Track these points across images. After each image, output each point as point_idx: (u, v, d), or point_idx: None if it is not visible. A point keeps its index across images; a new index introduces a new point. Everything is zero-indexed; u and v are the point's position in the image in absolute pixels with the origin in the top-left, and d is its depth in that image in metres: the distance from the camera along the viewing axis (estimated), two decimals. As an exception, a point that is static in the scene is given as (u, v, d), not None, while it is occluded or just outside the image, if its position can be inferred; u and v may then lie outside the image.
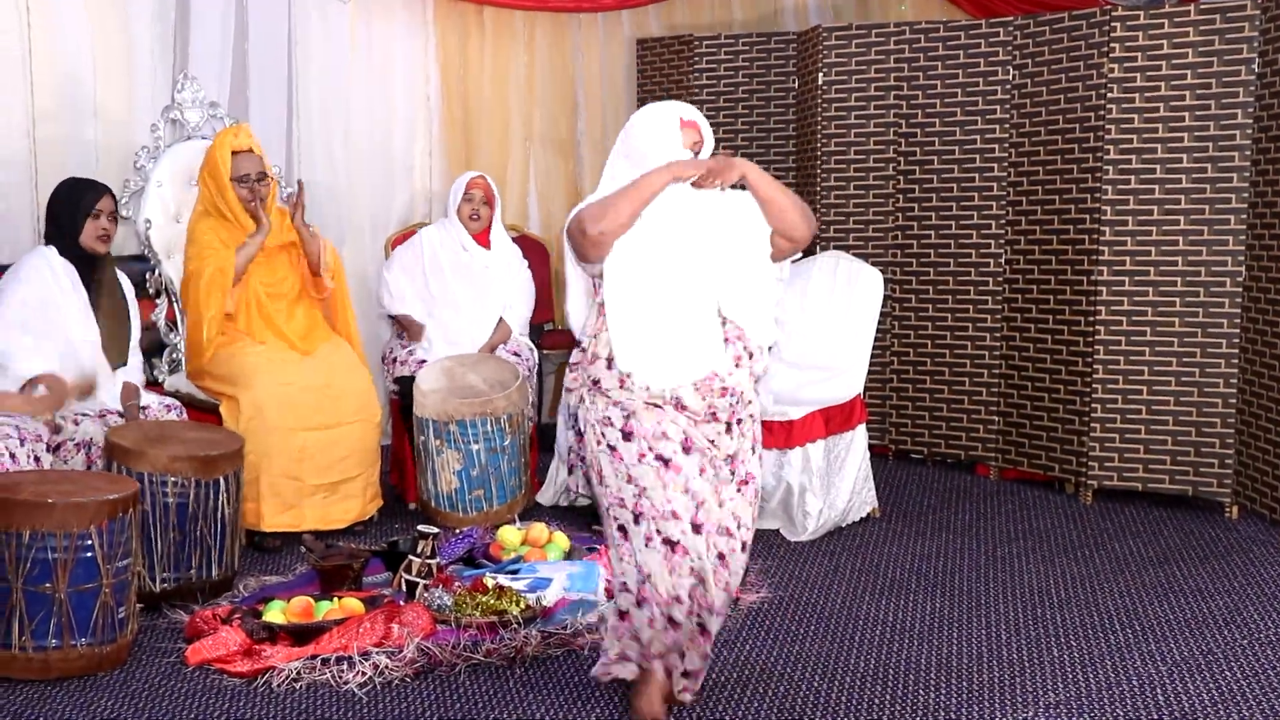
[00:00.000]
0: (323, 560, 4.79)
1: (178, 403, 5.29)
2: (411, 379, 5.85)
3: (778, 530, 5.66)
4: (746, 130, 7.46)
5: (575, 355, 3.82)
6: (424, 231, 6.42)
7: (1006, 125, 6.47)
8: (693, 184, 3.71)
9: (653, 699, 3.69)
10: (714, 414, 3.69)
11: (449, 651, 4.17)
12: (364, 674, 4.04)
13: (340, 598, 4.52)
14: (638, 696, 3.72)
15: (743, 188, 3.81)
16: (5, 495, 3.96)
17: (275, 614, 4.38)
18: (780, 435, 5.58)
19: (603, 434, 3.68)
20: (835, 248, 6.69)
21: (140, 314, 5.37)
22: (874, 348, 6.14)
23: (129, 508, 4.13)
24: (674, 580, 3.62)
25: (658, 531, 3.61)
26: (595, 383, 3.69)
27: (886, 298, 6.39)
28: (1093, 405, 6.10)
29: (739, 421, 3.75)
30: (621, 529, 3.70)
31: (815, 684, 4.04)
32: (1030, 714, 3.82)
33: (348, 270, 6.16)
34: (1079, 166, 6.11)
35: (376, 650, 4.14)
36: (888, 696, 3.95)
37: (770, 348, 3.84)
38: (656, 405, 3.65)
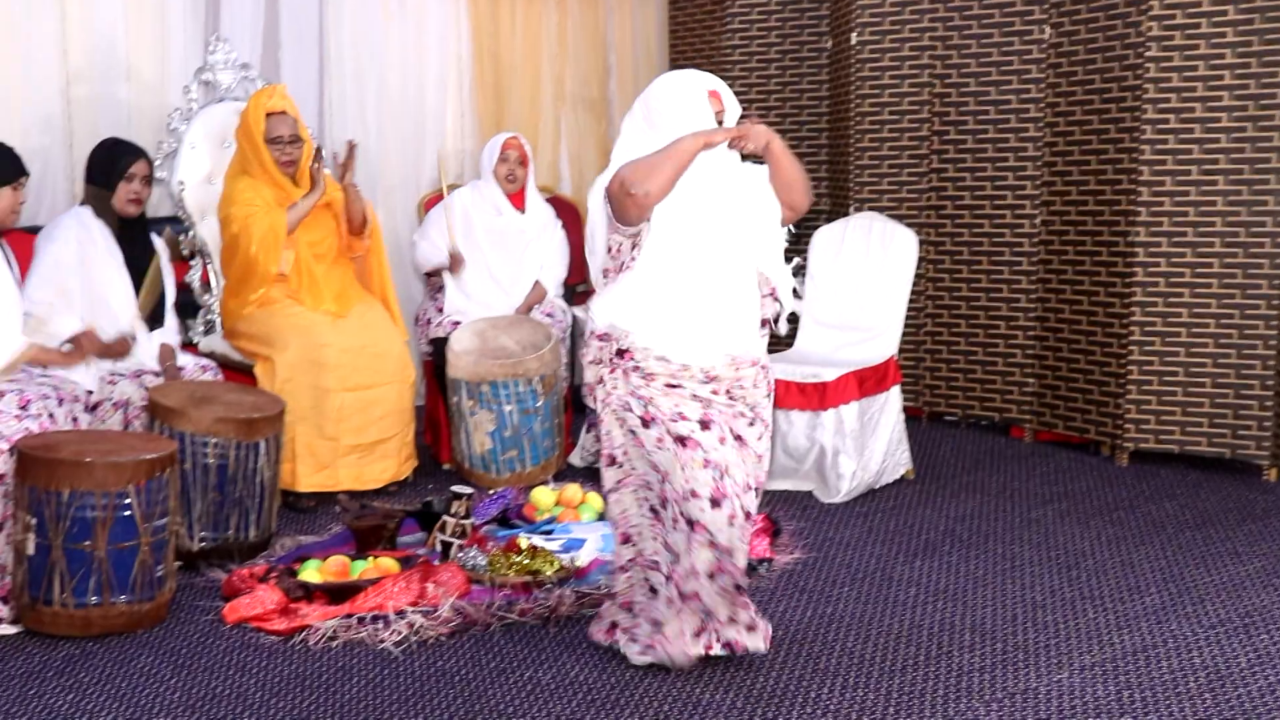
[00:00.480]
0: (358, 520, 4.81)
1: (213, 363, 5.31)
2: (445, 340, 5.85)
3: (811, 492, 5.66)
4: (779, 91, 7.42)
5: (591, 332, 3.87)
6: (456, 193, 6.41)
7: (1043, 85, 6.41)
8: (730, 146, 3.75)
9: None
10: (739, 382, 3.80)
11: (483, 611, 4.19)
12: (399, 633, 4.06)
13: (375, 557, 4.55)
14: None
15: (759, 160, 3.85)
16: (45, 454, 3.99)
17: (311, 573, 4.41)
18: (814, 397, 5.57)
19: (624, 418, 3.77)
20: (869, 209, 6.66)
21: (174, 275, 5.38)
22: (908, 309, 6.12)
23: (167, 467, 4.16)
24: (694, 555, 3.69)
25: (682, 514, 3.69)
26: (621, 354, 3.76)
27: (921, 259, 6.37)
28: (1129, 367, 6.07)
29: (756, 385, 3.86)
30: (653, 510, 3.80)
31: (849, 645, 4.04)
32: (1065, 675, 3.81)
33: (383, 231, 6.16)
34: (1116, 126, 6.05)
35: (411, 609, 4.17)
36: (921, 657, 3.95)
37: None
38: (675, 385, 3.74)
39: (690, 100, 3.76)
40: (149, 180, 5.10)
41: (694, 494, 3.66)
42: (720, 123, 3.79)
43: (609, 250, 3.77)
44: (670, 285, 3.74)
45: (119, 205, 5.02)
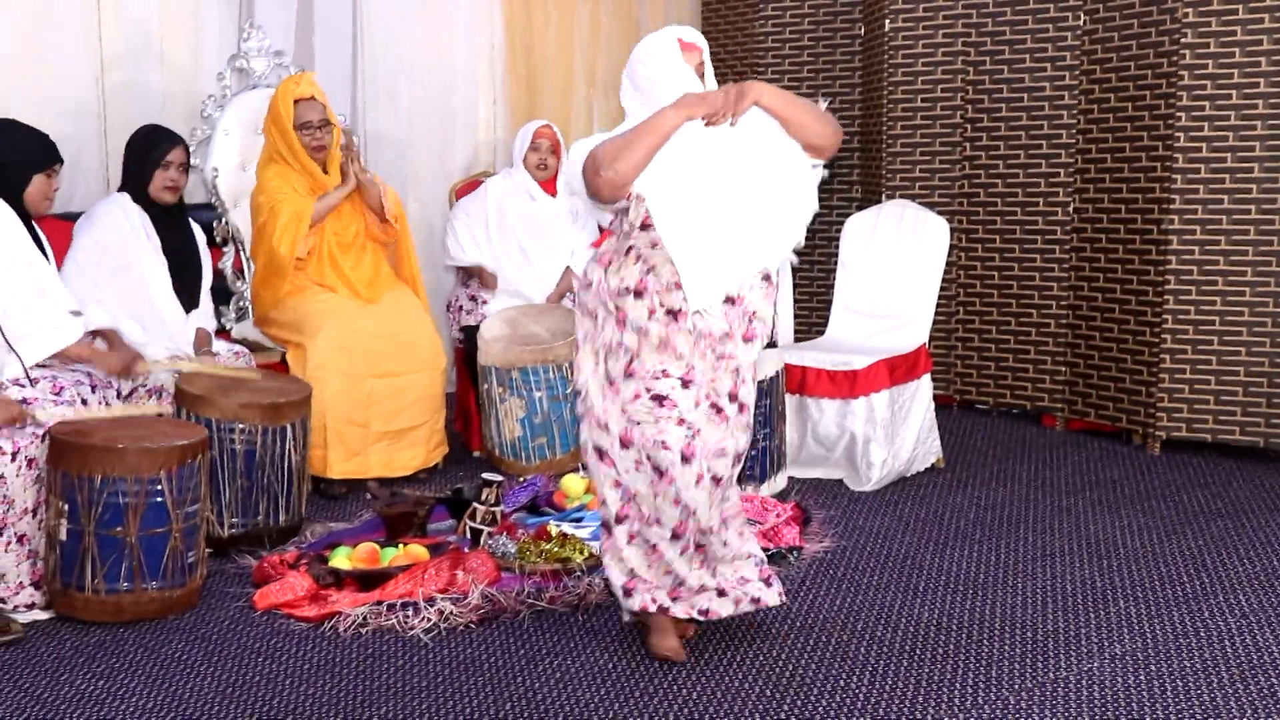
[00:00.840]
0: (388, 507, 4.82)
1: (245, 350, 5.33)
2: (476, 328, 5.86)
3: (841, 480, 5.64)
4: (812, 79, 7.40)
5: (583, 282, 3.82)
6: (489, 182, 6.42)
7: (1077, 72, 6.37)
8: (705, 123, 3.64)
9: (665, 634, 3.78)
10: (729, 333, 3.72)
11: (513, 598, 4.20)
12: (429, 620, 4.07)
13: (405, 544, 4.56)
14: (650, 634, 3.82)
15: None
16: (78, 440, 4.01)
17: (341, 560, 4.43)
18: (844, 385, 5.56)
19: (606, 360, 3.73)
20: (901, 196, 6.63)
21: (211, 260, 5.41)
22: (939, 297, 6.10)
23: (198, 454, 4.18)
24: (657, 504, 3.68)
25: (648, 458, 3.66)
26: (618, 307, 3.69)
27: (952, 247, 6.35)
28: (1162, 355, 6.03)
29: (749, 340, 3.78)
30: (599, 451, 3.76)
31: (879, 633, 4.04)
32: (1096, 665, 3.79)
33: (411, 219, 6.18)
34: (1151, 113, 6.01)
35: (441, 596, 4.18)
36: (951, 646, 3.93)
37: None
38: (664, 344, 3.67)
39: (664, 55, 3.68)
40: (185, 168, 5.13)
41: (664, 445, 3.63)
42: (701, 75, 3.72)
43: (612, 226, 3.78)
44: (680, 238, 3.63)
45: (155, 192, 5.05)
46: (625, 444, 3.70)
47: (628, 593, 3.79)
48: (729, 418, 3.74)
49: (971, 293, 6.82)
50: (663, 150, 3.62)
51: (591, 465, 3.82)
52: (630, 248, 3.69)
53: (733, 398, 3.76)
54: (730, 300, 3.70)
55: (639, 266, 3.68)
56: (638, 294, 3.67)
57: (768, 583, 3.89)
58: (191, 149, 5.91)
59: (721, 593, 3.82)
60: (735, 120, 3.64)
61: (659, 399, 3.65)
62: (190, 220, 5.28)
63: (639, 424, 3.66)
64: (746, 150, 3.68)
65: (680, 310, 3.66)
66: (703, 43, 3.78)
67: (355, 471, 5.42)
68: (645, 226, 3.65)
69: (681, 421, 3.64)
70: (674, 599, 3.78)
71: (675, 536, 3.71)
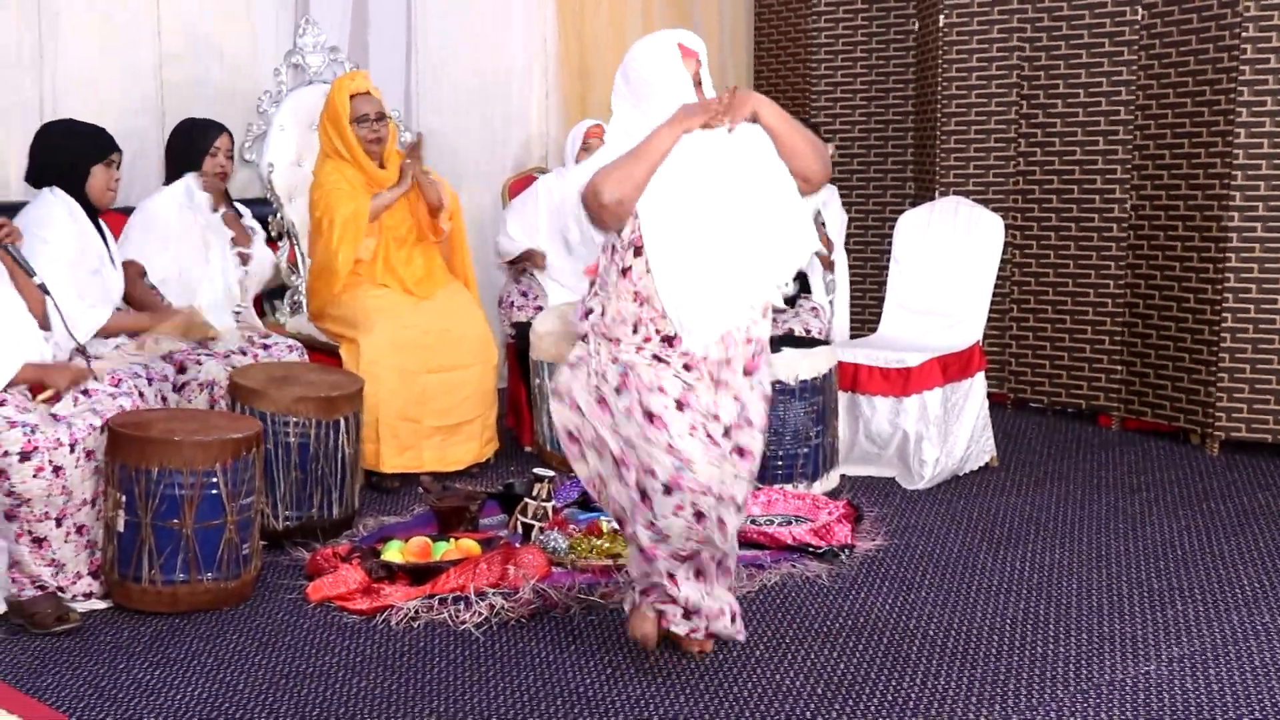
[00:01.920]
0: (440, 501, 4.84)
1: (299, 344, 5.36)
2: (528, 324, 5.87)
3: (894, 478, 5.62)
4: (865, 75, 7.37)
5: (585, 325, 3.68)
6: (541, 180, 6.43)
7: (1134, 67, 6.31)
8: (702, 126, 3.54)
9: (643, 620, 3.70)
10: (728, 361, 3.58)
11: (564, 594, 4.20)
12: (480, 614, 4.08)
13: (457, 539, 4.58)
14: (630, 618, 3.76)
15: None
16: (135, 433, 4.04)
17: (394, 553, 4.44)
18: (897, 383, 5.53)
19: (597, 385, 3.59)
20: (955, 193, 6.60)
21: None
22: (994, 294, 6.05)
23: (253, 447, 4.21)
24: (636, 525, 3.57)
25: (636, 482, 3.54)
26: (614, 341, 3.57)
27: (1007, 244, 6.31)
28: (1221, 354, 5.96)
29: (750, 373, 3.63)
30: (577, 447, 3.67)
31: (930, 633, 4.01)
32: (1153, 668, 3.75)
33: (464, 213, 6.20)
34: (1210, 109, 5.94)
35: (492, 591, 4.18)
36: (1004, 647, 3.91)
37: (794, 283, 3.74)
38: (662, 360, 3.54)
39: (663, 61, 3.57)
40: (232, 154, 5.19)
41: (650, 472, 3.48)
42: (698, 83, 3.62)
43: (605, 250, 3.64)
44: (675, 274, 3.51)
45: (206, 181, 5.10)
46: (618, 462, 3.58)
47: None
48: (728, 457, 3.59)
49: (1026, 290, 6.77)
50: (660, 168, 3.53)
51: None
52: (627, 269, 3.56)
53: (727, 433, 3.60)
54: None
55: (630, 295, 3.57)
56: (634, 327, 3.57)
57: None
58: (247, 144, 5.99)
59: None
60: (733, 125, 3.54)
61: (650, 416, 3.49)
62: (244, 209, 5.34)
63: (630, 441, 3.53)
64: (742, 174, 3.58)
65: (675, 336, 3.55)
66: (702, 48, 3.65)
67: (408, 466, 5.44)
68: (638, 251, 3.55)
69: (670, 449, 3.46)
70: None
71: (647, 559, 3.62)
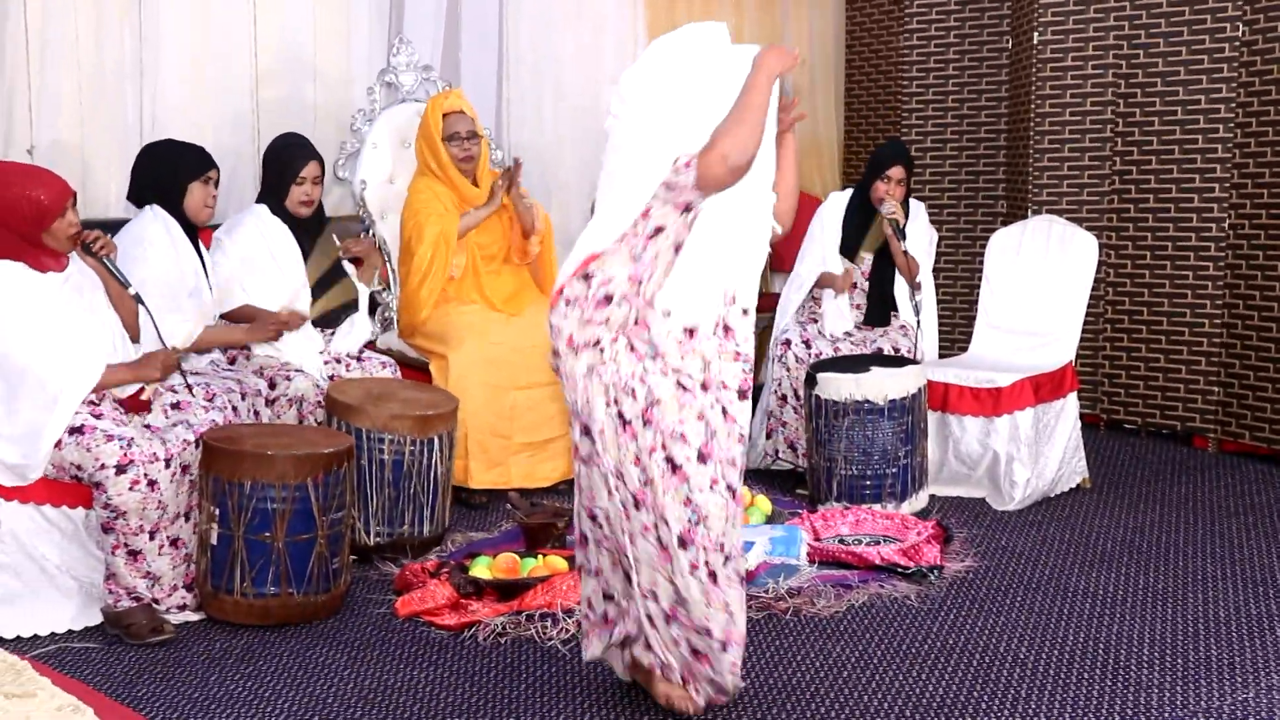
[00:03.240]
0: (528, 518, 4.86)
1: (391, 360, 5.41)
2: (617, 340, 5.88)
3: (984, 499, 5.56)
4: (957, 92, 7.32)
5: (589, 294, 3.39)
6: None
7: (1234, 84, 6.21)
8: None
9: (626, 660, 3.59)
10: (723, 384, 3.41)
11: (651, 611, 4.19)
12: (567, 631, 4.09)
13: (545, 555, 4.59)
14: (651, 686, 3.57)
15: None
16: (230, 446, 4.10)
17: (481, 569, 4.46)
18: (988, 402, 5.48)
19: (617, 399, 3.35)
20: (1048, 211, 6.53)
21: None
22: (1087, 314, 5.98)
23: (344, 462, 4.25)
24: (655, 579, 3.39)
25: (647, 530, 3.35)
26: (645, 336, 3.34)
27: (1101, 263, 6.23)
28: (1321, 377, 5.85)
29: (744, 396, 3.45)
30: (622, 506, 3.41)
31: (1021, 655, 3.96)
32: (1250, 694, 3.68)
33: (554, 230, 6.23)
34: (1311, 127, 5.84)
35: (579, 608, 4.18)
36: (1097, 671, 3.85)
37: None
38: (687, 388, 3.33)
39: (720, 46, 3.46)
40: (320, 180, 5.23)
41: (665, 521, 3.31)
42: None
43: (657, 230, 3.32)
44: (710, 258, 3.35)
45: (291, 208, 5.16)
46: (637, 502, 3.38)
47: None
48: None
49: (1120, 310, 6.68)
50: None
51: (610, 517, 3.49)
52: (678, 245, 3.33)
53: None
54: (725, 328, 3.41)
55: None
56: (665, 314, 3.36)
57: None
58: (340, 161, 6.06)
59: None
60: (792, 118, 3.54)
61: (672, 465, 3.31)
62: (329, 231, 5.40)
63: (650, 484, 3.34)
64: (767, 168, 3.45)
65: (694, 329, 3.37)
66: None
67: (496, 482, 5.47)
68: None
69: (688, 503, 3.32)
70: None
71: (667, 620, 3.44)
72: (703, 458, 3.34)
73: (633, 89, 3.48)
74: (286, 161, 5.16)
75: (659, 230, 3.31)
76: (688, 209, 3.29)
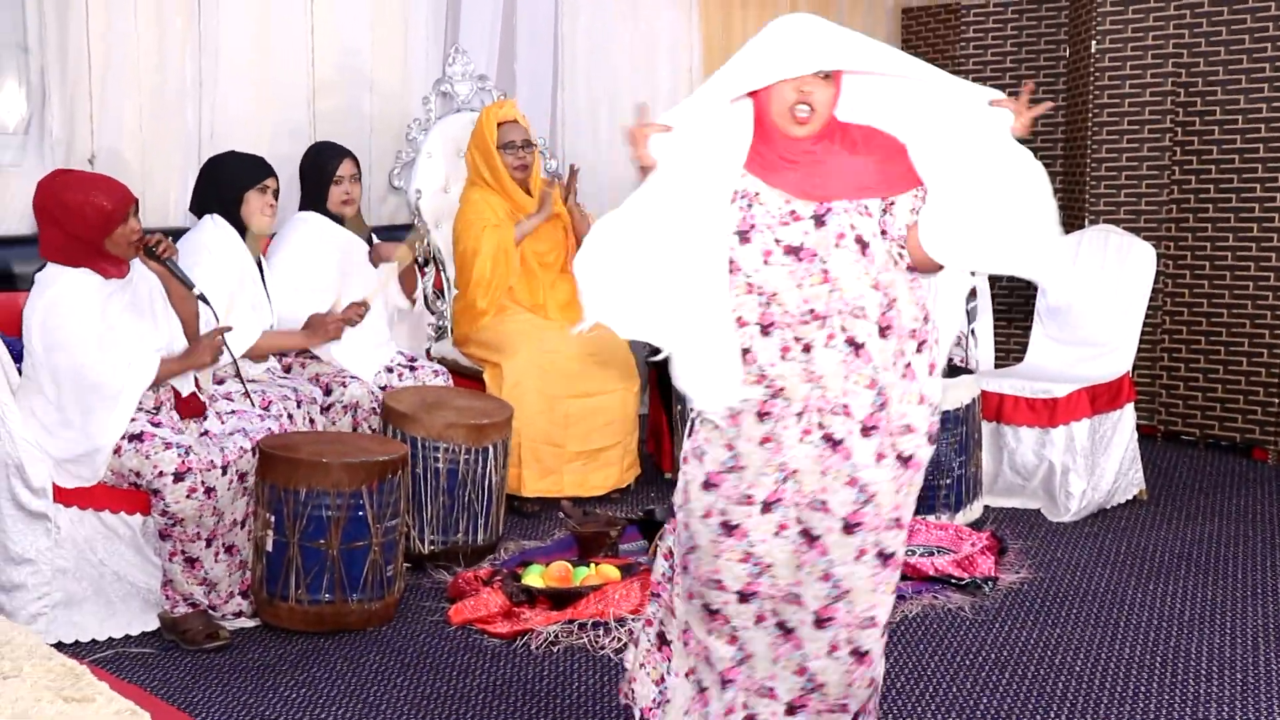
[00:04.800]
0: (581, 527, 4.86)
1: (444, 369, 5.44)
2: (670, 349, 5.88)
3: (1039, 510, 5.52)
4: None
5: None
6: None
7: (1294, 93, 6.15)
8: None
9: None
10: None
11: (703, 621, 4.18)
12: (619, 640, 4.09)
13: (597, 564, 4.59)
14: None
15: None
16: (286, 454, 4.13)
17: (534, 578, 4.48)
18: (1043, 413, 5.44)
19: (684, 465, 3.02)
20: (1105, 221, 6.47)
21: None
22: (1144, 324, 5.92)
23: (399, 470, 4.27)
24: (711, 644, 3.01)
25: (700, 593, 2.99)
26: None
27: (1159, 273, 6.17)
28: (1383, 389, 5.77)
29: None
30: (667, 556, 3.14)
31: (1077, 668, 3.93)
32: (1309, 711, 3.64)
33: (609, 241, 6.24)
34: (1374, 136, 5.76)
35: (632, 617, 4.19)
36: (1154, 686, 3.81)
37: None
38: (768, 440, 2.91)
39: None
40: (358, 179, 5.24)
41: (718, 583, 2.94)
42: None
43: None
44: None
45: (333, 208, 5.18)
46: (684, 566, 3.04)
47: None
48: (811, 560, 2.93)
49: (1179, 320, 6.62)
50: None
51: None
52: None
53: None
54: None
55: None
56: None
57: None
58: (396, 171, 6.10)
59: None
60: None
61: (729, 528, 2.92)
62: (371, 234, 5.41)
63: (696, 550, 2.98)
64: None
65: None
66: None
67: (549, 490, 5.48)
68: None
69: (747, 558, 2.92)
70: None
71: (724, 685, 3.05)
72: (768, 506, 2.94)
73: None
74: (321, 165, 5.18)
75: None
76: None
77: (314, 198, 5.19)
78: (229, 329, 4.29)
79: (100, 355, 3.98)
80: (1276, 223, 6.24)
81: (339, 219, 5.17)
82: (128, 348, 4.04)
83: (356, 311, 4.96)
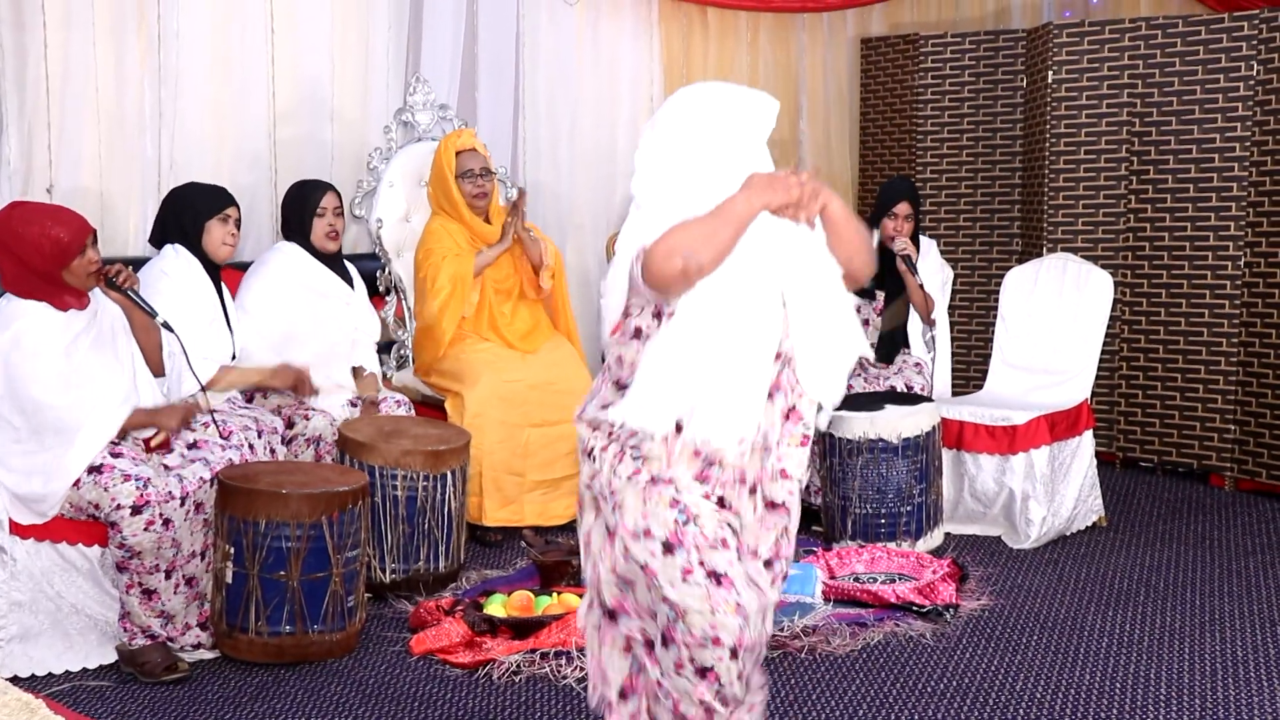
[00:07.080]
0: (543, 555, 4.86)
1: (406, 398, 5.43)
2: (631, 378, 5.89)
3: (999, 537, 5.55)
4: (972, 130, 7.33)
5: (599, 415, 3.14)
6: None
7: (1249, 123, 6.22)
8: (772, 212, 2.85)
9: None
10: (741, 477, 2.98)
11: (666, 650, 4.18)
12: (581, 669, 4.08)
13: (559, 593, 4.59)
14: None
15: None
16: (245, 485, 4.11)
17: (496, 607, 4.47)
18: (1003, 440, 5.47)
19: (629, 547, 2.95)
20: (1063, 250, 6.52)
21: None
22: (1102, 352, 5.97)
23: (359, 500, 4.26)
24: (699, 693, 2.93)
25: (690, 660, 2.90)
26: (637, 458, 3.00)
27: (1116, 301, 6.22)
28: (1337, 415, 5.82)
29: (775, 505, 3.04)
30: (648, 645, 3.06)
31: (1038, 695, 3.95)
32: (1267, 736, 3.67)
33: (569, 268, 6.25)
34: (1326, 165, 5.84)
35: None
36: (1114, 712, 3.83)
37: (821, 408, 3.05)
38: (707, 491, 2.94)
39: (762, 121, 2.96)
40: (341, 212, 5.26)
41: (716, 640, 2.87)
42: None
43: (626, 312, 3.00)
44: (697, 363, 2.86)
45: (318, 242, 5.18)
46: (666, 640, 2.96)
47: None
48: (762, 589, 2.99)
49: (1136, 348, 6.67)
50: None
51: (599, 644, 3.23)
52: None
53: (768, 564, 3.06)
54: (764, 447, 2.98)
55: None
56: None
57: None
58: (357, 200, 6.09)
59: None
60: (812, 221, 2.89)
61: (716, 578, 2.88)
62: (350, 268, 5.40)
63: (687, 615, 2.90)
64: (798, 263, 2.94)
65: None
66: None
67: (510, 519, 5.48)
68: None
69: (739, 609, 2.88)
70: None
71: None
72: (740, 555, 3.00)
73: (646, 149, 3.13)
74: (304, 198, 5.20)
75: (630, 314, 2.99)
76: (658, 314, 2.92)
77: (296, 231, 5.19)
78: (212, 410, 4.29)
79: (65, 398, 3.96)
80: (1231, 250, 6.31)
81: (321, 255, 5.18)
82: (93, 391, 4.02)
83: (311, 391, 4.94)
